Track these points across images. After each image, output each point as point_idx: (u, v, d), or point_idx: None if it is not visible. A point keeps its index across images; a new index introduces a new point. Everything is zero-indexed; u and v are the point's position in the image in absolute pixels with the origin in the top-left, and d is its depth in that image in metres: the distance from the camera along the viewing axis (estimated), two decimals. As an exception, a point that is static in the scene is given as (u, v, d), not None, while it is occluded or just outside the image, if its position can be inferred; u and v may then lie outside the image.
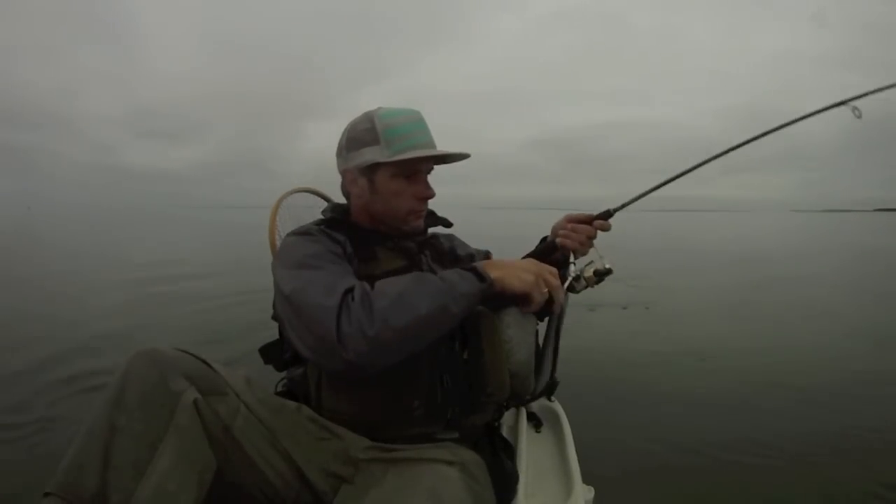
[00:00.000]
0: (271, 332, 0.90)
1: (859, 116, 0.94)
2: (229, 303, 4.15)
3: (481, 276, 0.75)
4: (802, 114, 0.99)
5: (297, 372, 0.84)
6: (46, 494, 0.57)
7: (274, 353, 0.89)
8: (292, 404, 0.76)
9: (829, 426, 1.93)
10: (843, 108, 0.95)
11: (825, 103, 0.99)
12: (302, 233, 0.86)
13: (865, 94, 0.94)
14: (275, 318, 0.84)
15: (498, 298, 0.79)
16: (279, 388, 0.88)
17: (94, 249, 10.28)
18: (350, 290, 0.69)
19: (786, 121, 0.99)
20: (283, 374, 0.89)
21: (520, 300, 0.80)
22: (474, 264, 0.78)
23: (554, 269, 0.82)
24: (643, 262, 7.38)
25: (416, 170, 0.89)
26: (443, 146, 0.91)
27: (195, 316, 3.80)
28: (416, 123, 0.89)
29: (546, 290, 0.79)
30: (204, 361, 0.68)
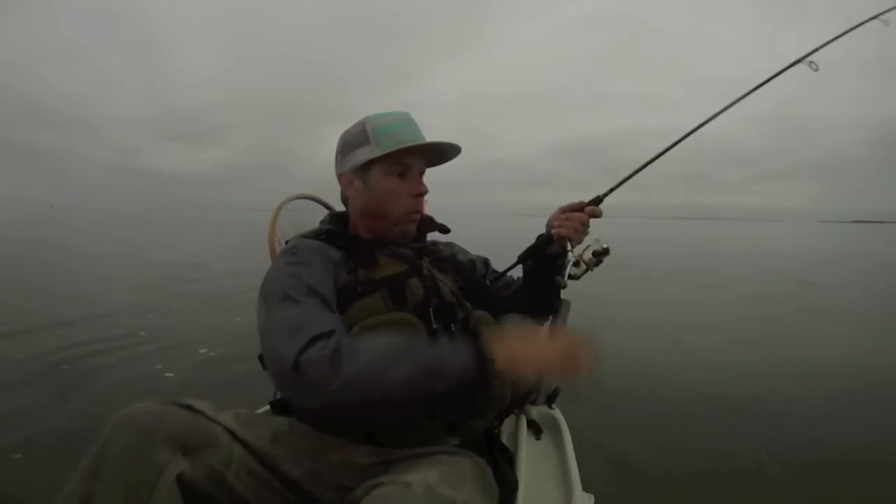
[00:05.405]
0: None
1: (816, 69, 1.04)
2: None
3: (482, 357, 0.68)
4: (763, 79, 1.06)
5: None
6: None
7: None
8: (285, 425, 0.76)
9: (837, 437, 1.92)
10: (801, 65, 1.05)
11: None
12: (291, 254, 0.84)
13: (820, 48, 1.05)
14: None
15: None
16: (276, 396, 0.88)
17: (111, 245, 10.64)
18: (319, 337, 0.67)
19: (747, 89, 1.05)
20: None
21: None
22: (483, 337, 0.70)
23: (587, 347, 0.70)
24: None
25: (407, 165, 0.90)
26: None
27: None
28: (404, 122, 0.91)
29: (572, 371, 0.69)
30: (193, 409, 0.66)
